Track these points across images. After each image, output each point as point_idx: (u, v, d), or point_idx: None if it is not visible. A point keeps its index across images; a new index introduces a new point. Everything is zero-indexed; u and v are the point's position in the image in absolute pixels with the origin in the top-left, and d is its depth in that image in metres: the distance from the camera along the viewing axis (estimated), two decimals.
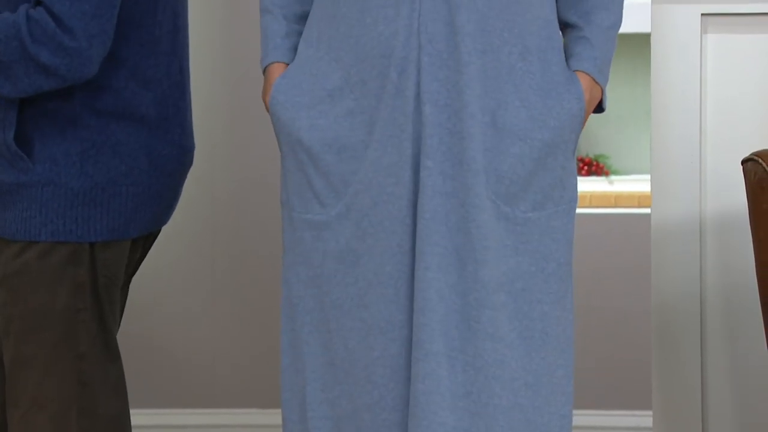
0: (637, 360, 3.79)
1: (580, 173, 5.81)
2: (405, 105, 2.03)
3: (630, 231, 3.94)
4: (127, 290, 2.37)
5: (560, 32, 2.15)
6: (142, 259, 2.38)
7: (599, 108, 2.17)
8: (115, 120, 2.18)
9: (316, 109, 2.10)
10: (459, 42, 2.03)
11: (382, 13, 2.05)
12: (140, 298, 3.68)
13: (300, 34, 2.19)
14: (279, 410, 2.22)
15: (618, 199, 5.38)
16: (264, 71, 2.18)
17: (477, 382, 2.04)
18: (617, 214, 4.22)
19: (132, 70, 2.19)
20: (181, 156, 2.28)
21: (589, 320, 3.78)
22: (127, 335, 3.44)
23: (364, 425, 2.09)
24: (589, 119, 2.15)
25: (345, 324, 2.09)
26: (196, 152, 2.35)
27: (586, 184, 5.65)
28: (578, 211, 2.17)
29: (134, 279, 2.44)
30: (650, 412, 2.76)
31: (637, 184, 5.67)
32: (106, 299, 2.21)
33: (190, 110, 2.33)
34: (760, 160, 2.20)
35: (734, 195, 2.61)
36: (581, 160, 5.90)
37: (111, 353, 2.23)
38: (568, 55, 2.15)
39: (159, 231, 2.36)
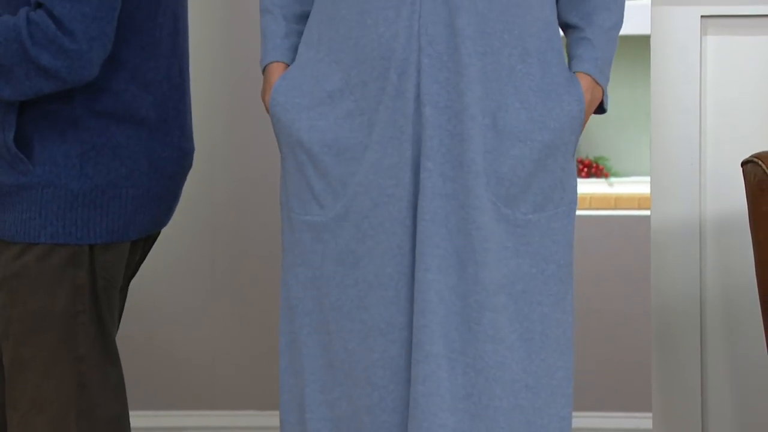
0: (637, 362, 3.79)
1: (579, 175, 5.82)
2: (405, 107, 2.03)
3: (630, 233, 3.94)
4: (126, 292, 2.37)
5: (560, 34, 2.15)
6: (142, 261, 2.38)
7: (601, 109, 2.17)
8: (115, 122, 2.17)
9: (316, 110, 2.10)
10: (459, 44, 2.03)
11: (383, 15, 2.04)
12: (140, 299, 3.68)
13: (300, 34, 2.19)
14: (278, 412, 2.22)
15: (618, 201, 5.38)
16: (263, 71, 2.19)
17: (477, 383, 2.04)
18: (617, 216, 4.22)
19: (132, 72, 2.19)
20: (181, 158, 2.28)
21: (589, 322, 3.78)
22: (127, 337, 3.44)
23: (363, 427, 2.09)
24: (588, 121, 2.15)
25: (345, 326, 2.09)
26: (195, 154, 2.35)
27: (586, 186, 5.65)
28: (578, 213, 2.17)
29: (134, 281, 2.44)
30: (650, 414, 2.76)
31: (637, 185, 5.67)
32: (105, 301, 2.21)
33: (190, 112, 2.33)
34: (760, 162, 2.20)
35: (734, 197, 2.61)
36: (581, 161, 5.90)
37: (110, 355, 2.23)
38: (569, 57, 2.15)
39: (158, 233, 2.36)
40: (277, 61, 2.17)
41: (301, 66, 2.13)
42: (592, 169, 5.91)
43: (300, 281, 2.13)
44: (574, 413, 2.22)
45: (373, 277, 2.06)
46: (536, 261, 2.08)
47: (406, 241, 2.04)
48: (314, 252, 2.11)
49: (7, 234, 2.18)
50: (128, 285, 2.37)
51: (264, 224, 3.74)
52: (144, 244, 2.33)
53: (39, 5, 2.09)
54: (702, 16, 2.63)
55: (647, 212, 3.79)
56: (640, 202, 5.25)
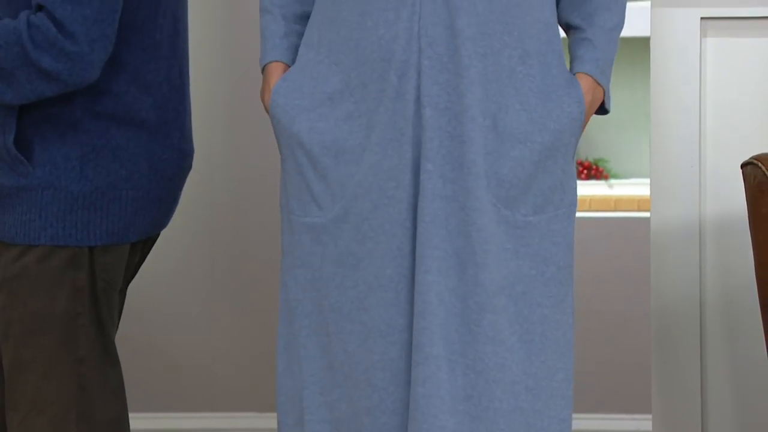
0: (637, 363, 3.80)
1: (579, 177, 5.82)
2: (405, 108, 2.03)
3: (629, 234, 3.95)
4: (125, 294, 2.37)
5: (560, 36, 2.15)
6: (141, 263, 2.38)
7: (603, 109, 2.17)
8: (115, 124, 2.17)
9: (316, 112, 2.10)
10: (459, 45, 2.03)
11: (383, 17, 2.05)
12: (139, 301, 3.68)
13: (299, 34, 2.20)
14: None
15: (618, 203, 5.39)
16: (262, 71, 2.19)
17: (477, 385, 2.04)
18: (617, 218, 4.23)
19: (133, 74, 2.19)
20: (181, 160, 2.28)
21: (589, 324, 3.78)
22: (126, 339, 3.44)
23: (363, 428, 2.08)
24: (588, 123, 2.15)
25: (344, 327, 2.09)
26: (195, 156, 2.35)
27: (586, 188, 5.65)
28: (578, 214, 2.17)
29: (134, 283, 2.44)
30: (650, 416, 2.76)
31: (637, 187, 5.67)
32: (105, 303, 2.21)
33: (190, 114, 2.33)
34: (760, 164, 2.20)
35: (734, 198, 2.61)
36: (581, 163, 5.91)
37: (110, 357, 2.23)
38: (570, 57, 2.15)
39: (158, 235, 2.36)
40: (276, 61, 2.17)
41: (301, 67, 2.13)
42: (592, 171, 5.92)
43: (299, 283, 2.13)
44: (574, 415, 2.22)
45: (373, 279, 2.06)
46: (536, 263, 2.08)
47: (406, 243, 2.04)
48: (314, 253, 2.11)
49: (6, 236, 2.18)
50: (127, 287, 2.37)
51: (263, 226, 3.74)
52: (143, 246, 2.33)
53: (40, 8, 2.09)
54: (702, 18, 2.63)
55: (647, 214, 3.79)
56: (639, 203, 5.26)
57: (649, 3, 2.68)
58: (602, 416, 3.85)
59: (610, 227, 4.00)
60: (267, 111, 2.17)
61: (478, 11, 2.04)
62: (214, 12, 3.77)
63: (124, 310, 2.40)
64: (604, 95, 2.14)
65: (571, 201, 2.12)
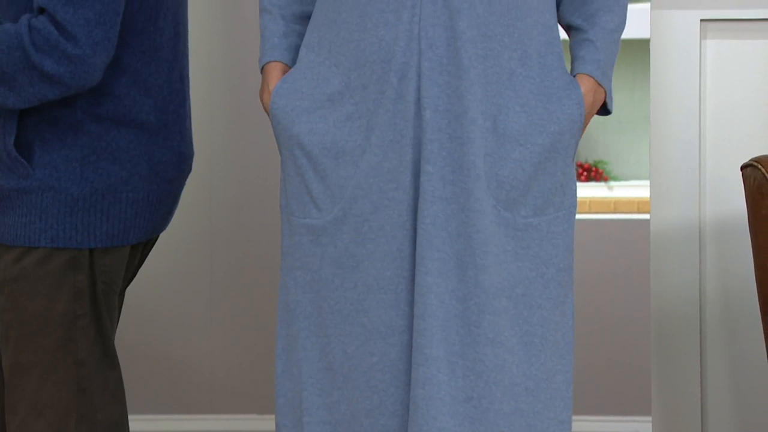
0: (637, 365, 3.79)
1: (579, 179, 5.82)
2: (405, 110, 2.03)
3: (629, 236, 3.95)
4: (123, 296, 2.37)
5: (560, 38, 2.15)
6: (140, 266, 2.38)
7: (605, 110, 2.17)
8: (115, 126, 2.17)
9: (316, 113, 2.10)
10: (460, 47, 2.03)
11: (383, 19, 2.05)
12: (139, 303, 3.68)
13: (298, 34, 2.20)
14: None
15: (617, 205, 5.39)
16: (261, 70, 2.19)
17: (477, 387, 2.04)
18: (616, 220, 4.22)
19: (133, 76, 2.19)
20: (181, 163, 2.28)
21: (589, 325, 3.78)
22: (126, 341, 3.44)
23: (362, 430, 2.08)
24: (588, 125, 2.15)
25: (344, 329, 2.09)
26: (194, 157, 2.35)
27: (586, 190, 5.66)
28: (578, 216, 2.17)
29: (134, 284, 2.44)
30: (649, 418, 2.76)
31: (637, 189, 5.67)
32: (104, 305, 2.21)
33: (190, 117, 2.33)
34: (760, 166, 2.20)
35: (733, 200, 2.61)
36: (581, 165, 5.91)
37: (109, 359, 2.23)
38: (572, 58, 2.15)
39: (157, 237, 2.36)
40: (275, 61, 2.17)
41: (301, 69, 2.13)
42: (592, 173, 5.92)
43: (299, 284, 2.13)
44: (574, 417, 2.22)
45: (373, 281, 2.06)
46: (536, 264, 2.08)
47: (406, 245, 2.04)
48: (313, 255, 2.11)
49: (7, 238, 2.18)
50: (126, 288, 2.37)
51: (263, 228, 3.74)
52: (143, 248, 2.33)
53: (41, 11, 2.09)
54: (701, 20, 2.63)
55: (647, 216, 3.80)
56: (639, 205, 5.26)
57: (648, 5, 2.68)
58: (602, 418, 3.85)
59: (610, 229, 4.00)
60: (266, 111, 2.17)
61: (479, 13, 2.04)
62: (213, 16, 3.77)
63: (124, 312, 2.41)
64: (605, 96, 2.14)
65: (572, 203, 2.12)
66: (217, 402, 3.81)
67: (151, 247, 2.36)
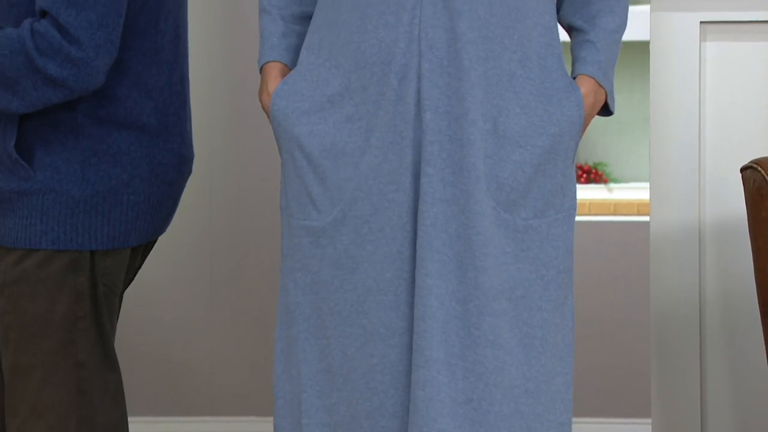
0: (637, 367, 3.79)
1: (579, 181, 5.82)
2: (406, 111, 2.03)
3: (629, 239, 3.95)
4: (122, 298, 2.37)
5: (560, 39, 2.15)
6: (139, 268, 2.38)
7: (607, 111, 2.17)
8: (116, 128, 2.18)
9: (316, 115, 2.10)
10: (460, 49, 2.03)
11: (383, 20, 2.05)
12: (139, 305, 3.68)
13: (298, 34, 2.20)
14: None
15: (617, 207, 5.39)
16: (260, 70, 2.19)
17: (477, 389, 2.04)
18: (616, 222, 4.22)
19: (134, 78, 2.19)
20: (181, 165, 2.28)
21: (589, 327, 3.78)
22: (126, 343, 3.44)
23: None
24: (588, 127, 2.15)
25: (344, 331, 2.09)
26: (194, 160, 2.35)
27: (586, 192, 5.65)
28: (577, 218, 2.18)
29: (134, 287, 2.44)
30: (649, 420, 2.76)
31: (636, 191, 5.67)
32: (105, 307, 2.21)
33: (190, 119, 2.33)
34: (759, 168, 2.20)
35: (733, 202, 2.61)
36: (580, 167, 5.91)
37: (110, 361, 2.23)
38: (573, 59, 2.15)
39: (156, 240, 2.36)
40: (274, 61, 2.18)
41: (301, 71, 2.14)
42: (592, 175, 5.92)
43: (298, 286, 2.13)
44: (574, 419, 2.22)
45: (373, 282, 2.06)
46: (536, 266, 2.08)
47: (406, 246, 2.04)
48: (312, 257, 2.11)
49: (7, 240, 2.18)
50: (124, 291, 2.37)
51: (263, 231, 3.74)
52: (143, 250, 2.33)
53: (43, 14, 2.09)
54: (701, 22, 2.63)
55: (646, 218, 3.79)
56: (639, 207, 5.26)
57: (648, 7, 2.68)
58: (602, 420, 3.85)
59: (610, 231, 4.00)
60: (265, 111, 2.17)
61: (479, 15, 2.04)
62: (213, 16, 3.77)
63: (123, 314, 2.41)
64: (606, 97, 2.14)
65: (571, 205, 2.12)
66: (217, 404, 3.81)
67: (150, 249, 2.36)
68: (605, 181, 5.88)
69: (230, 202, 3.79)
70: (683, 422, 2.67)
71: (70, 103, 2.15)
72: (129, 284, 2.37)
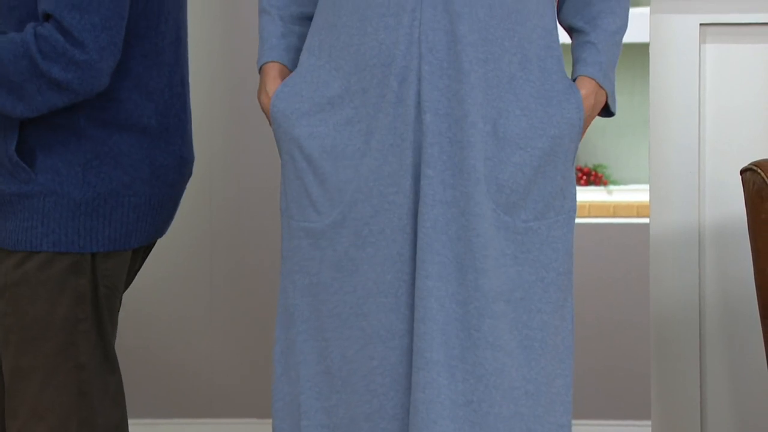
0: (636, 369, 3.79)
1: (579, 183, 5.82)
2: (406, 113, 2.03)
3: (629, 241, 3.95)
4: (121, 300, 2.37)
5: (559, 42, 2.15)
6: (138, 270, 2.38)
7: (608, 112, 2.17)
8: (117, 130, 2.17)
9: (316, 117, 2.10)
10: (460, 51, 2.03)
11: (383, 22, 2.05)
12: (138, 307, 3.68)
13: (297, 35, 2.20)
14: None
15: (617, 209, 5.39)
16: (259, 71, 2.19)
17: (477, 391, 2.04)
18: (616, 224, 4.22)
19: (135, 80, 2.19)
20: (182, 167, 2.28)
21: (588, 330, 3.78)
22: (125, 345, 3.43)
23: None
24: (587, 129, 2.15)
25: (343, 333, 2.09)
26: (194, 161, 2.35)
27: (585, 194, 5.65)
28: (577, 220, 2.18)
29: (133, 289, 2.44)
30: (649, 422, 2.76)
31: (636, 193, 5.67)
32: (106, 309, 2.21)
33: (191, 121, 2.33)
34: (759, 170, 2.20)
35: (733, 205, 2.61)
36: (580, 169, 5.91)
37: (110, 363, 2.23)
38: (573, 60, 2.15)
39: (155, 242, 2.36)
40: (273, 61, 2.18)
41: (302, 72, 2.14)
42: (591, 177, 5.92)
43: (297, 288, 2.13)
44: (574, 421, 2.22)
45: (373, 284, 2.06)
46: (536, 269, 2.08)
47: (407, 248, 2.04)
48: (312, 258, 2.11)
49: (8, 243, 2.18)
50: (123, 293, 2.37)
51: (262, 232, 3.74)
52: (144, 252, 2.33)
53: (46, 17, 2.09)
54: (701, 24, 2.63)
55: (646, 220, 3.80)
56: (639, 210, 5.26)
57: (648, 9, 2.69)
58: (601, 422, 3.85)
59: (610, 233, 4.00)
60: (264, 111, 2.17)
61: (480, 17, 2.04)
62: (213, 17, 3.77)
63: (123, 316, 2.41)
64: (607, 98, 2.14)
65: (571, 207, 2.12)
66: (217, 406, 3.81)
67: (150, 250, 2.36)
68: (605, 183, 5.88)
69: (230, 203, 3.79)
70: (683, 424, 2.67)
71: (70, 106, 2.15)
72: (128, 286, 2.37)
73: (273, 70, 2.17)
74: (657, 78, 2.65)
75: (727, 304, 2.66)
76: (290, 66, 2.19)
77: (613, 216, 5.32)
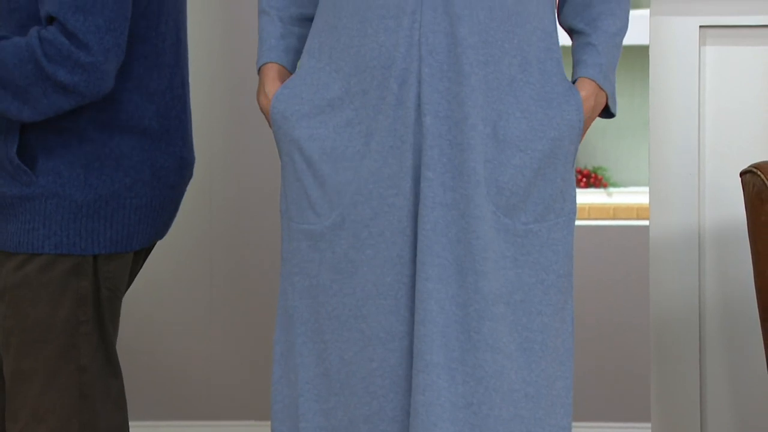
0: (636, 372, 3.79)
1: (578, 185, 5.82)
2: (406, 116, 2.03)
3: (628, 243, 3.95)
4: (121, 301, 2.37)
5: (559, 44, 2.15)
6: (138, 271, 2.38)
7: (609, 113, 2.18)
8: (118, 132, 2.18)
9: (316, 118, 2.10)
10: (460, 53, 2.03)
11: (383, 24, 2.05)
12: (138, 309, 3.68)
13: (296, 36, 2.20)
14: None
15: (616, 211, 5.39)
16: (258, 72, 2.19)
17: (477, 393, 2.04)
18: (616, 226, 4.23)
19: (136, 82, 2.19)
20: (183, 168, 2.28)
21: (588, 332, 3.78)
22: (125, 346, 3.43)
23: None
24: (588, 131, 2.15)
25: (342, 335, 2.09)
26: (194, 163, 2.36)
27: (585, 196, 5.66)
28: (577, 223, 2.18)
29: (134, 290, 2.44)
30: (649, 425, 2.76)
31: (636, 196, 5.68)
32: (108, 311, 2.21)
33: (191, 122, 2.33)
34: (759, 172, 2.20)
35: (733, 207, 2.61)
36: (580, 172, 5.91)
37: (112, 365, 2.23)
38: (573, 62, 2.15)
39: (155, 244, 2.36)
40: (272, 62, 2.18)
41: (302, 74, 2.14)
42: (591, 179, 5.92)
43: (297, 290, 2.13)
44: (574, 423, 2.22)
45: (372, 287, 2.06)
46: (536, 271, 2.08)
47: (407, 251, 2.04)
48: (311, 260, 2.11)
49: (9, 245, 2.18)
50: (124, 294, 2.37)
51: (263, 234, 3.74)
52: (144, 254, 2.33)
53: (50, 20, 2.08)
54: (701, 27, 2.63)
55: (646, 222, 3.79)
56: (638, 212, 5.26)
57: (648, 11, 2.69)
58: (601, 424, 3.85)
59: (609, 235, 4.00)
60: (263, 112, 2.17)
61: (480, 19, 2.04)
62: (213, 17, 3.77)
63: (122, 318, 2.40)
64: (607, 99, 2.15)
65: (571, 209, 2.12)
66: (216, 408, 3.81)
67: (150, 252, 2.36)
68: (605, 186, 5.88)
69: (230, 204, 3.79)
70: (683, 426, 2.67)
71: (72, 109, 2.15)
72: (128, 288, 2.37)
73: (272, 71, 2.17)
74: (657, 80, 2.65)
75: (726, 306, 2.66)
76: (289, 67, 2.19)
77: (613, 218, 5.32)
